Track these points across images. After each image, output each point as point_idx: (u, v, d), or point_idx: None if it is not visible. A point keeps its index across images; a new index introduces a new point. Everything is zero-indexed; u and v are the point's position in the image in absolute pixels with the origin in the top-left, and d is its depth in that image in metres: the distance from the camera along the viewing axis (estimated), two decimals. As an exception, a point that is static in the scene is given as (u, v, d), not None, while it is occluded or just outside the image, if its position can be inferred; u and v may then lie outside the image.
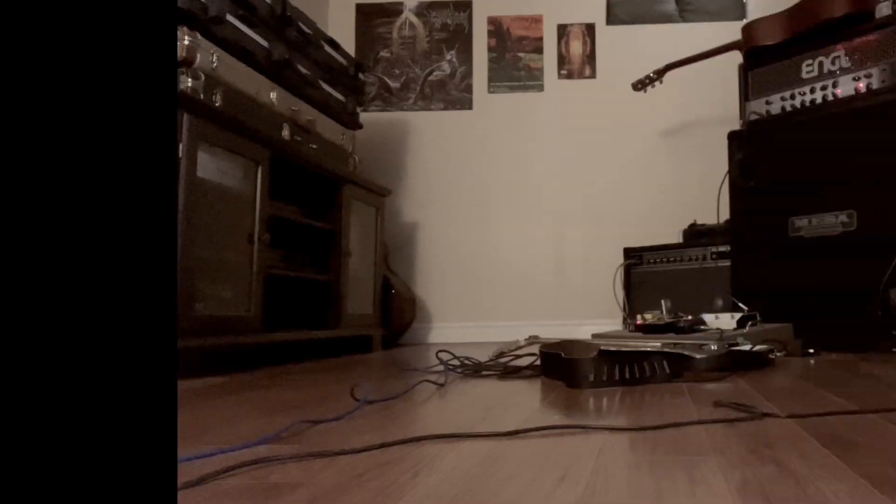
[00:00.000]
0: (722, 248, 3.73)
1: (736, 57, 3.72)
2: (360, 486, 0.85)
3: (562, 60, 5.00)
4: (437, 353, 2.63)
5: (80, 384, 0.54)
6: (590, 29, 4.97)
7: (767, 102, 3.46)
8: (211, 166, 2.48)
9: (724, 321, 2.87)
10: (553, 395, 1.75)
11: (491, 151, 4.96)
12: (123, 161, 0.57)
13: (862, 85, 3.11)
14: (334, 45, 3.69)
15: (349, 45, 5.02)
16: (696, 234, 4.05)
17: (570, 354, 1.99)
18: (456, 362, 2.46)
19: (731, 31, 4.26)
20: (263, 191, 2.81)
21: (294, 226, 3.28)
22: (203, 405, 1.64)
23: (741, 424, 1.22)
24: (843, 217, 3.06)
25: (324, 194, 3.52)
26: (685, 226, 4.23)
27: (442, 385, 1.99)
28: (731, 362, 2.21)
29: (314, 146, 3.34)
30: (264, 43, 2.97)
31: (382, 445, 1.09)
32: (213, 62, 2.58)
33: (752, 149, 3.43)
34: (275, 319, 3.06)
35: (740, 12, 4.76)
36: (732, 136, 3.55)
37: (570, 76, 5.00)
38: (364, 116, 4.31)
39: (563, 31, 5.01)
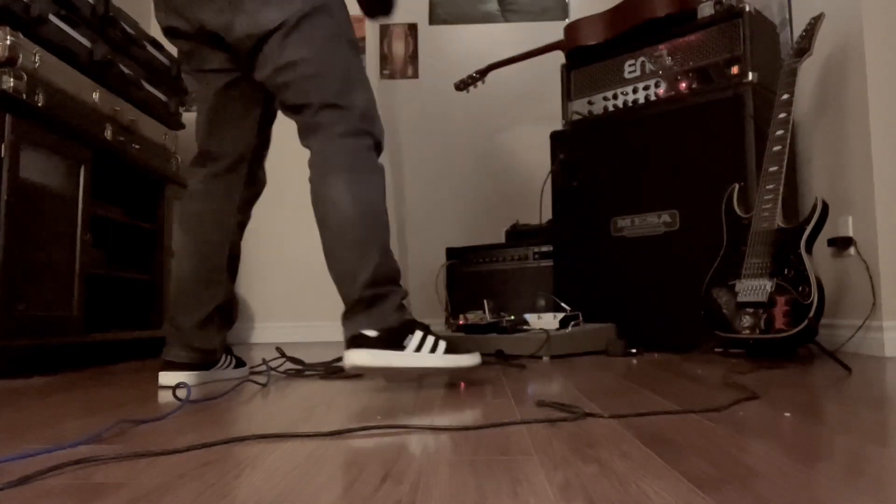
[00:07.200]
0: (545, 248, 3.78)
1: (559, 57, 3.78)
2: (183, 486, 0.85)
3: (384, 60, 4.96)
4: (275, 348, 2.69)
5: None
6: (412, 29, 4.95)
7: (590, 102, 3.53)
8: (34, 166, 2.50)
9: (547, 321, 2.91)
10: (376, 394, 1.72)
11: (314, 151, 4.83)
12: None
13: (684, 85, 3.20)
14: (157, 45, 3.55)
15: (171, 45, 4.77)
16: (518, 235, 4.10)
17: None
18: (281, 361, 2.45)
19: (553, 30, 4.34)
20: (86, 191, 2.81)
21: (117, 226, 3.25)
22: (26, 405, 1.63)
23: (564, 424, 1.22)
24: (665, 217, 3.14)
25: (147, 194, 3.49)
26: (508, 226, 4.28)
27: (265, 385, 1.98)
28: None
29: (137, 146, 3.25)
30: (87, 43, 2.90)
31: (205, 445, 1.08)
32: (36, 62, 2.53)
33: (574, 149, 3.50)
34: (99, 319, 3.05)
35: (563, 12, 4.89)
36: (555, 136, 3.61)
37: (392, 76, 4.97)
38: (187, 116, 4.13)
39: (385, 30, 4.97)
